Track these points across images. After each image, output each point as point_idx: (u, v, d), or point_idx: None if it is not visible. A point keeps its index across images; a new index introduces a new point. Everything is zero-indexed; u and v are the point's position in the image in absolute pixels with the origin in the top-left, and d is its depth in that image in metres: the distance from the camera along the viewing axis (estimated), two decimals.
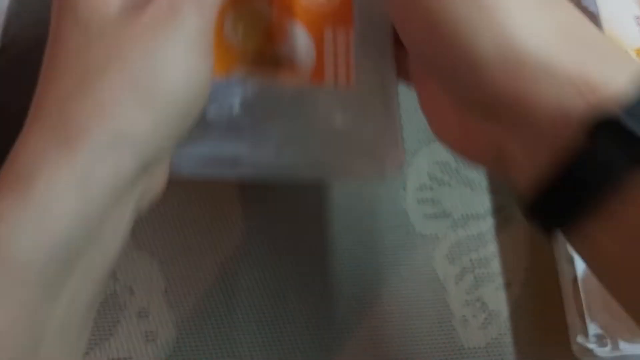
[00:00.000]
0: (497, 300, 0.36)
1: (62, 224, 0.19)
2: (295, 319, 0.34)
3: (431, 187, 0.38)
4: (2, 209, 0.19)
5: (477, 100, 0.21)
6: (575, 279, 0.35)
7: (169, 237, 0.35)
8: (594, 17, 0.37)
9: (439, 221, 0.37)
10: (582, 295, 0.34)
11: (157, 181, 0.24)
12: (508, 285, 0.37)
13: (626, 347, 0.33)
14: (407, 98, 0.41)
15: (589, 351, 0.33)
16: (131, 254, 0.35)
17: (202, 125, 0.25)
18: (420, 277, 0.36)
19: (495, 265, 0.37)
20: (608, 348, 0.33)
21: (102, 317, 0.33)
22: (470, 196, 0.38)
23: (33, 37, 0.39)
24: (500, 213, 0.38)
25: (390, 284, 0.36)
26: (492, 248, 0.37)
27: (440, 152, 0.39)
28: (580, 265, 0.35)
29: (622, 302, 0.21)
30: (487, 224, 0.38)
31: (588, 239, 0.20)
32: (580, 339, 0.33)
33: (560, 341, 0.35)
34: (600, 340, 0.33)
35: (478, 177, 0.39)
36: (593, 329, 0.33)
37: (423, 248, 0.37)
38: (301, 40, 0.27)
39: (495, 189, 0.39)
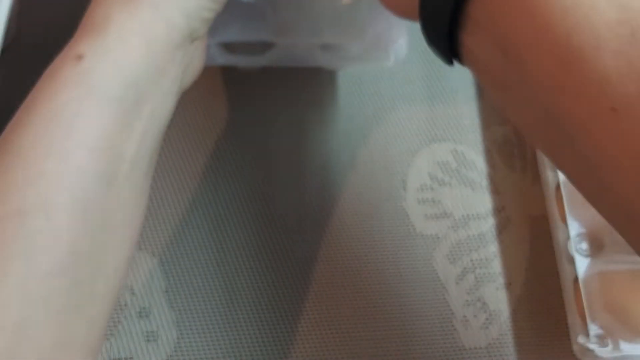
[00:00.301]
0: (498, 300, 0.36)
1: (133, 63, 0.23)
2: (295, 319, 0.34)
3: (432, 187, 0.38)
4: (85, 48, 0.23)
5: None
6: (576, 279, 0.35)
7: (170, 237, 0.35)
8: None
9: (439, 221, 0.37)
10: (583, 296, 0.34)
11: (197, 59, 0.28)
12: (509, 285, 0.37)
13: (627, 348, 0.33)
14: (409, 101, 0.41)
15: (590, 351, 0.33)
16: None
17: (231, 15, 0.31)
18: (421, 277, 0.36)
19: (496, 266, 0.37)
20: (609, 348, 0.33)
21: None
22: (471, 196, 0.38)
23: (35, 36, 0.39)
24: (501, 213, 0.38)
25: (390, 284, 0.36)
26: (492, 248, 0.37)
27: (441, 152, 0.39)
28: (581, 266, 0.35)
29: (505, 113, 0.22)
30: (488, 224, 0.38)
31: (466, 51, 0.22)
32: (581, 339, 0.33)
33: (561, 341, 0.35)
34: (601, 340, 0.33)
35: (479, 177, 0.39)
36: (594, 329, 0.33)
37: (424, 248, 0.37)
38: None
39: (496, 189, 0.39)
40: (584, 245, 0.35)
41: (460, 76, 0.41)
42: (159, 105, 0.24)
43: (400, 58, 0.35)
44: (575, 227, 0.36)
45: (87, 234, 0.21)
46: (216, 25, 0.31)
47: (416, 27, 0.44)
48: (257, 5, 0.33)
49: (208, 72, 0.39)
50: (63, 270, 0.20)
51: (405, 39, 0.34)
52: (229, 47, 0.35)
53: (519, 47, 0.19)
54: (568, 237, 0.35)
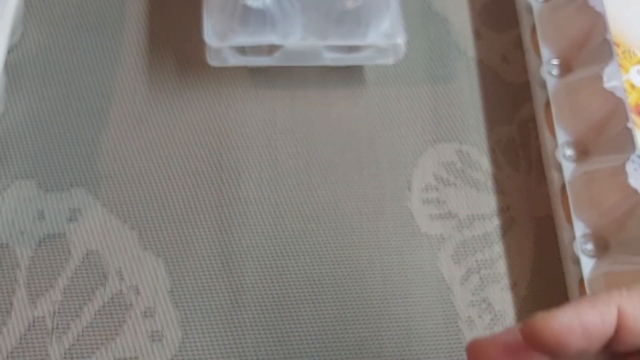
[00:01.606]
0: (503, 301, 0.36)
1: None
2: (300, 319, 0.34)
3: (437, 187, 0.38)
4: None
5: None
6: (581, 280, 0.35)
7: (175, 237, 0.35)
8: (600, 17, 0.37)
9: (444, 222, 0.37)
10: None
11: None
12: (514, 285, 0.36)
13: None
14: (414, 101, 0.41)
15: None
16: (137, 254, 0.35)
17: (242, 19, 0.34)
18: (426, 277, 0.36)
19: (501, 266, 0.37)
20: None
21: (108, 316, 0.33)
22: (476, 196, 0.38)
23: (40, 38, 0.39)
24: (505, 213, 0.38)
25: (395, 284, 0.36)
26: (497, 249, 0.37)
27: (446, 152, 0.39)
28: (586, 267, 0.35)
29: None
30: (493, 225, 0.38)
31: None
32: None
33: None
34: None
35: (484, 177, 0.39)
36: None
37: (428, 249, 0.37)
38: None
39: (501, 190, 0.39)
40: (590, 246, 0.35)
41: (465, 76, 0.41)
42: None
43: (400, 56, 0.37)
44: (581, 227, 0.35)
45: None
46: (228, 31, 0.33)
47: (420, 28, 0.45)
48: (266, 10, 0.34)
49: (216, 72, 0.39)
50: None
51: (404, 38, 0.36)
52: (239, 49, 0.36)
53: None
54: (573, 238, 0.35)
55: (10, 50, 0.38)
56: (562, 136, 0.37)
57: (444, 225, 0.37)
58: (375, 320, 0.35)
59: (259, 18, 0.34)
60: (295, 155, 0.38)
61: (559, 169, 0.37)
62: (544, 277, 0.37)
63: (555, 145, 0.37)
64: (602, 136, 0.36)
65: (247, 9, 0.34)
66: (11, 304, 0.33)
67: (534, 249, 0.38)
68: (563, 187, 0.37)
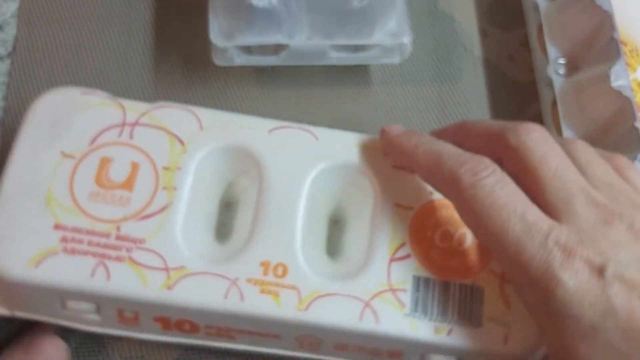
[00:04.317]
0: None
1: None
2: None
3: None
4: None
5: None
6: None
7: None
8: (607, 16, 0.37)
9: None
10: None
11: None
12: None
13: None
14: (418, 96, 0.41)
15: None
16: None
17: (248, 20, 0.34)
18: None
19: None
20: None
21: None
22: None
23: (46, 39, 0.39)
24: None
25: None
26: None
27: None
28: None
29: None
30: None
31: None
32: None
33: None
34: None
35: None
36: None
37: None
38: None
39: None
40: None
41: (472, 75, 0.41)
42: None
43: (406, 56, 0.37)
44: None
45: None
46: (234, 30, 0.34)
47: (426, 27, 0.44)
48: (271, 9, 0.34)
49: (222, 72, 0.39)
50: None
51: (409, 37, 0.36)
52: (245, 49, 0.36)
53: None
54: None
55: (13, 49, 0.38)
56: (569, 136, 0.37)
57: None
58: None
59: (265, 17, 0.34)
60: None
61: None
62: None
63: None
64: (609, 135, 0.36)
65: (253, 9, 0.34)
66: None
67: None
68: None
